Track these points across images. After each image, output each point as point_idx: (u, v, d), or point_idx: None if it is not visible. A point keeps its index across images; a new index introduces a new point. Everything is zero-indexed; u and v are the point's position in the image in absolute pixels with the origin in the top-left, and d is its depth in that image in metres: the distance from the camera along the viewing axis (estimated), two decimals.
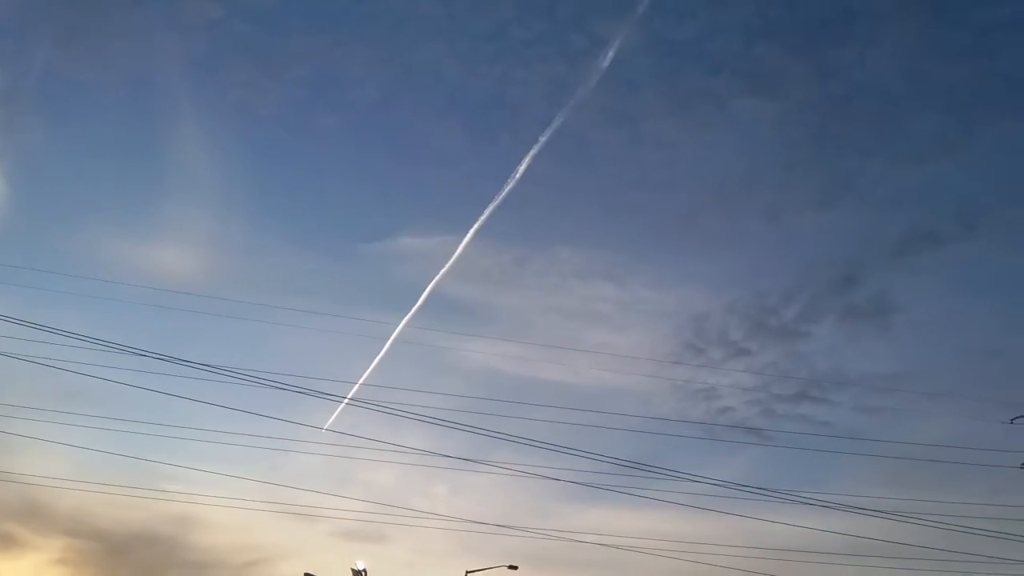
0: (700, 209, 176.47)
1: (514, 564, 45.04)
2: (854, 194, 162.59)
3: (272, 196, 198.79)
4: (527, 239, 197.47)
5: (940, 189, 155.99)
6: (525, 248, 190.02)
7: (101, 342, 29.07)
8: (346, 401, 34.03)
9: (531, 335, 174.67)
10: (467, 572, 45.49)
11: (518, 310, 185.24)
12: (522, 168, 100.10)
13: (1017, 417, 29.18)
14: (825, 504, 46.02)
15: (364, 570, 43.35)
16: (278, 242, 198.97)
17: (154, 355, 29.98)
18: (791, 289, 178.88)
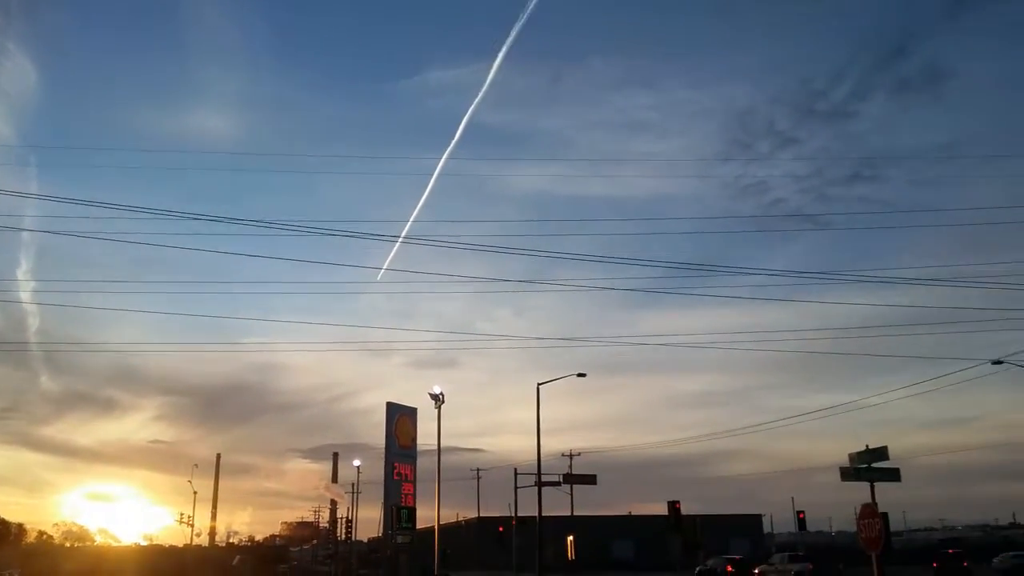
0: (733, 1, 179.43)
1: (583, 372, 48.48)
2: None
3: (296, 48, 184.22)
4: (559, 55, 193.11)
5: None
6: (558, 65, 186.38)
7: (159, 212, 27.66)
8: (400, 240, 34.03)
9: (574, 152, 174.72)
10: (538, 384, 47.99)
11: (558, 130, 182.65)
12: None
13: None
14: (885, 279, 48.29)
15: (441, 394, 45.23)
16: (308, 92, 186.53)
17: (209, 217, 29.32)
18: (838, 69, 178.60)
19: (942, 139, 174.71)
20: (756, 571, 50.93)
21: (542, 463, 49.38)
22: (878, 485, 25.44)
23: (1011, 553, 57.35)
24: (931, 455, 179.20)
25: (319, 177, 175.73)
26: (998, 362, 41.30)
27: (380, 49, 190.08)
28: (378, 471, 60.15)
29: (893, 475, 25.42)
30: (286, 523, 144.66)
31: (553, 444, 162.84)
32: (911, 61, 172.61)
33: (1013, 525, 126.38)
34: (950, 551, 56.04)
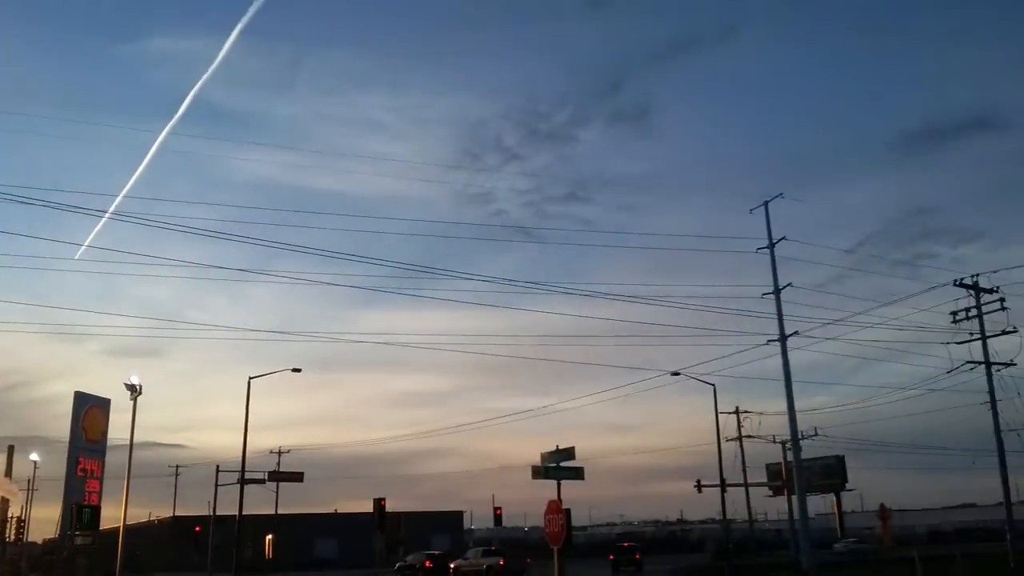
0: (478, 13, 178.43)
1: (297, 367, 47.73)
2: None
3: None
4: (300, 41, 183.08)
5: None
6: (298, 51, 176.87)
7: None
8: (108, 215, 28.76)
9: (307, 143, 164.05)
10: (250, 378, 46.83)
11: (292, 117, 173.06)
12: None
13: (756, 207, 34.21)
14: (588, 293, 52.81)
15: (139, 385, 41.88)
16: (14, 42, 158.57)
17: None
18: (562, 95, 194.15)
19: (646, 169, 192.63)
20: (452, 566, 52.92)
21: (250, 460, 48.22)
22: (568, 483, 27.66)
23: (851, 539, 66.40)
24: (616, 456, 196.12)
25: (16, 137, 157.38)
26: (676, 373, 46.44)
27: (101, 6, 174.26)
28: (60, 467, 55.19)
29: (578, 473, 27.75)
30: None
31: (264, 440, 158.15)
32: (624, 95, 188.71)
33: (680, 521, 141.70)
34: (625, 544, 61.77)
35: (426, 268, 70.89)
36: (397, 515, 60.29)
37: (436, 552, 59.90)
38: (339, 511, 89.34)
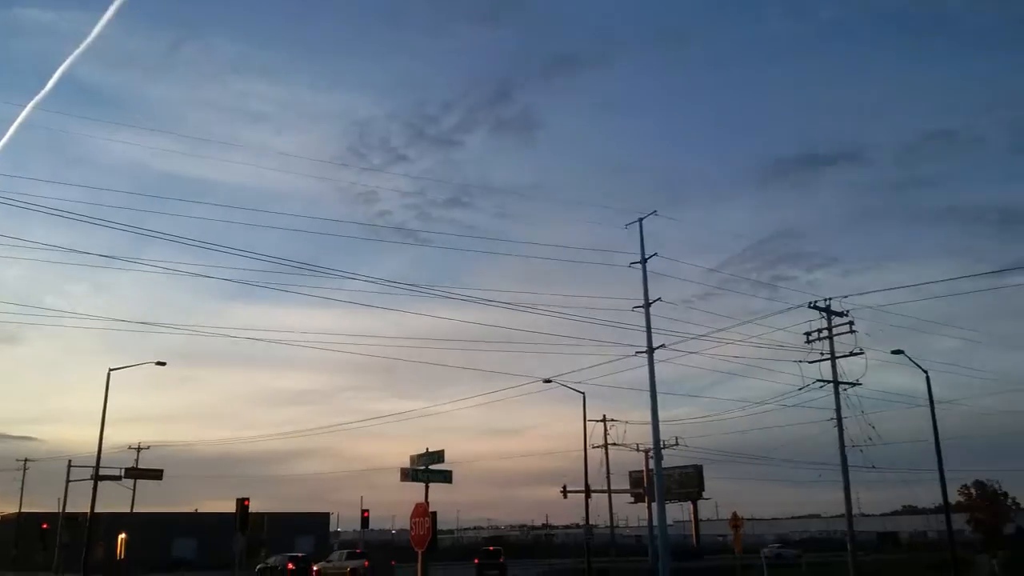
0: (371, 12, 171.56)
1: (162, 361, 45.46)
2: (516, 11, 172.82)
3: None
4: (180, 23, 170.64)
5: (587, 14, 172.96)
6: (178, 33, 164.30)
7: None
8: None
9: (183, 129, 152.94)
10: (110, 370, 44.78)
11: (168, 102, 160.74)
12: None
13: (631, 223, 34.47)
14: (467, 298, 52.01)
15: None
16: None
17: None
18: (450, 100, 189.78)
19: (529, 179, 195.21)
20: (315, 568, 52.18)
21: (107, 455, 46.25)
22: (438, 486, 27.88)
23: (776, 545, 68.11)
24: (487, 460, 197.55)
25: None
26: (548, 380, 47.28)
27: None
28: None
29: (446, 477, 28.04)
30: None
31: (124, 436, 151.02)
32: (511, 107, 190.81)
33: (546, 525, 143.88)
34: (490, 548, 62.39)
35: (304, 265, 69.25)
36: (261, 516, 59.00)
37: (299, 554, 58.89)
38: (201, 510, 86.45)
